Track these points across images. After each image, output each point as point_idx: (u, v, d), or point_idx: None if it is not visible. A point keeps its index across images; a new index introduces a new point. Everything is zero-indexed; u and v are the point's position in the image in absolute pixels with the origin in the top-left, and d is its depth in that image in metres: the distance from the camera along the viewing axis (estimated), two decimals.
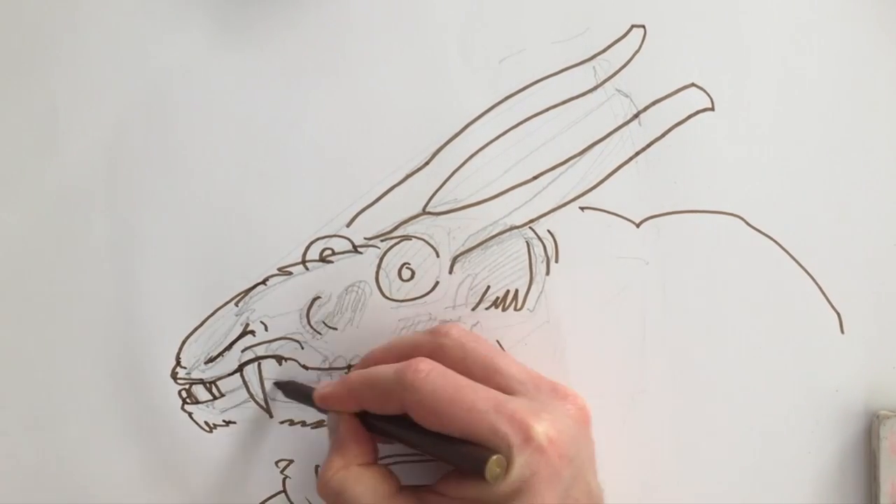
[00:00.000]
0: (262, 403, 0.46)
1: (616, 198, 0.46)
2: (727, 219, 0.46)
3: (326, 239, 0.46)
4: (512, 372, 0.41)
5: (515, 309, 0.46)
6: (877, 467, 0.46)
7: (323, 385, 0.43)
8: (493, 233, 0.46)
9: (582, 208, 0.46)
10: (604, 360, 0.46)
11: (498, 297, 0.46)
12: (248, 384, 0.46)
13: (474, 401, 0.38)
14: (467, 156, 0.46)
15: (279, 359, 0.46)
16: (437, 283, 0.46)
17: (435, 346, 0.42)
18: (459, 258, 0.46)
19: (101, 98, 0.46)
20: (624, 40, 0.46)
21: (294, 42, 0.46)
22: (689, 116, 0.46)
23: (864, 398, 0.47)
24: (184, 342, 0.46)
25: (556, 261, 0.46)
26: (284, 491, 0.47)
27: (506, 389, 0.40)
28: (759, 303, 0.47)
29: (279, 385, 0.46)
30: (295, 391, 0.45)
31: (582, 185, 0.46)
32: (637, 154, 0.47)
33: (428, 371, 0.39)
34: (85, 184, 0.46)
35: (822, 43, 0.47)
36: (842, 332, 0.47)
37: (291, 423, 0.46)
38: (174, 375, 0.46)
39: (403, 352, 0.42)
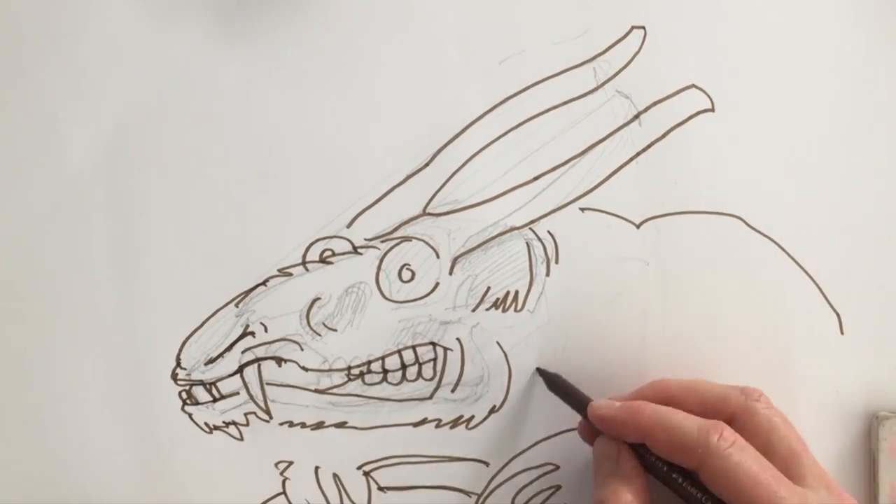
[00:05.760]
0: (262, 405, 0.46)
1: (616, 198, 0.47)
2: (727, 219, 0.46)
3: (326, 240, 0.46)
4: (810, 466, 0.40)
5: (516, 310, 0.46)
6: (876, 468, 0.46)
7: (602, 404, 0.42)
8: (494, 234, 0.46)
9: (582, 209, 0.46)
10: (604, 361, 0.46)
11: (498, 298, 0.46)
12: (248, 385, 0.46)
13: (777, 491, 0.38)
14: (467, 157, 0.46)
15: (279, 360, 0.46)
16: (437, 284, 0.46)
17: (745, 407, 0.41)
18: (459, 259, 0.46)
19: (100, 99, 0.46)
20: (624, 41, 0.46)
21: (294, 43, 0.46)
22: (690, 117, 0.46)
23: (864, 399, 0.47)
24: (184, 343, 0.46)
25: (557, 262, 0.46)
26: (284, 492, 0.47)
27: (797, 481, 0.39)
28: (758, 303, 0.46)
29: (543, 374, 0.46)
30: (561, 389, 0.45)
31: (582, 186, 0.46)
32: (637, 155, 0.47)
33: (733, 441, 0.39)
34: (85, 184, 0.46)
35: (821, 43, 0.47)
36: (841, 332, 0.47)
37: (291, 424, 0.46)
38: (174, 376, 0.46)
39: (707, 399, 0.42)
